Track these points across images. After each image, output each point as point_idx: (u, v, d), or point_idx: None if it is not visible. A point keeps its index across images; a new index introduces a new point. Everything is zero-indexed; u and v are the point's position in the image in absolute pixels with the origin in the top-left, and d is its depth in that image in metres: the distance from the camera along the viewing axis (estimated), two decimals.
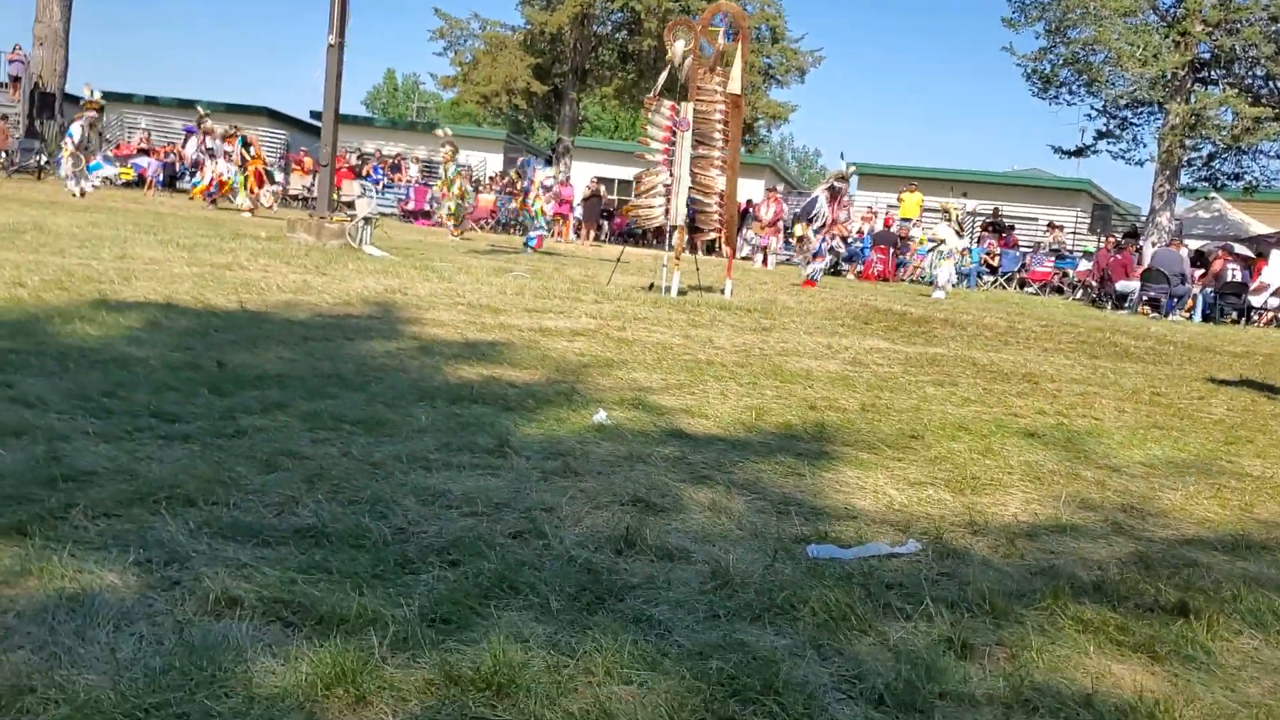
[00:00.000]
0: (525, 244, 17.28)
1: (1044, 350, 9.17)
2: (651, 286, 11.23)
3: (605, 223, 28.76)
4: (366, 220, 12.14)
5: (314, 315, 6.44)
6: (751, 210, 24.89)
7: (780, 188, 29.33)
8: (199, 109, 22.20)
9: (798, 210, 16.74)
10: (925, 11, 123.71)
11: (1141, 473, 4.38)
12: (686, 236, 11.41)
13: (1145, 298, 19.79)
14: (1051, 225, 28.23)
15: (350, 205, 16.87)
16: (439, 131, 19.00)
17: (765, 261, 23.37)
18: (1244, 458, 4.92)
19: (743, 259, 26.18)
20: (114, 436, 3.39)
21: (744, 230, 27.32)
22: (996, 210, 29.01)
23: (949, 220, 17.84)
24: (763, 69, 31.65)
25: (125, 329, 5.32)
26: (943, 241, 17.54)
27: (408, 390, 4.48)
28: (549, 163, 18.61)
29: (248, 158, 19.06)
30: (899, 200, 26.53)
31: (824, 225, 15.67)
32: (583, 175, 32.37)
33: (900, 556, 2.96)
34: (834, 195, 15.83)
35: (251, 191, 19.08)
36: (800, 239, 16.37)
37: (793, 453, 4.10)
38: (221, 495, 2.87)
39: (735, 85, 11.05)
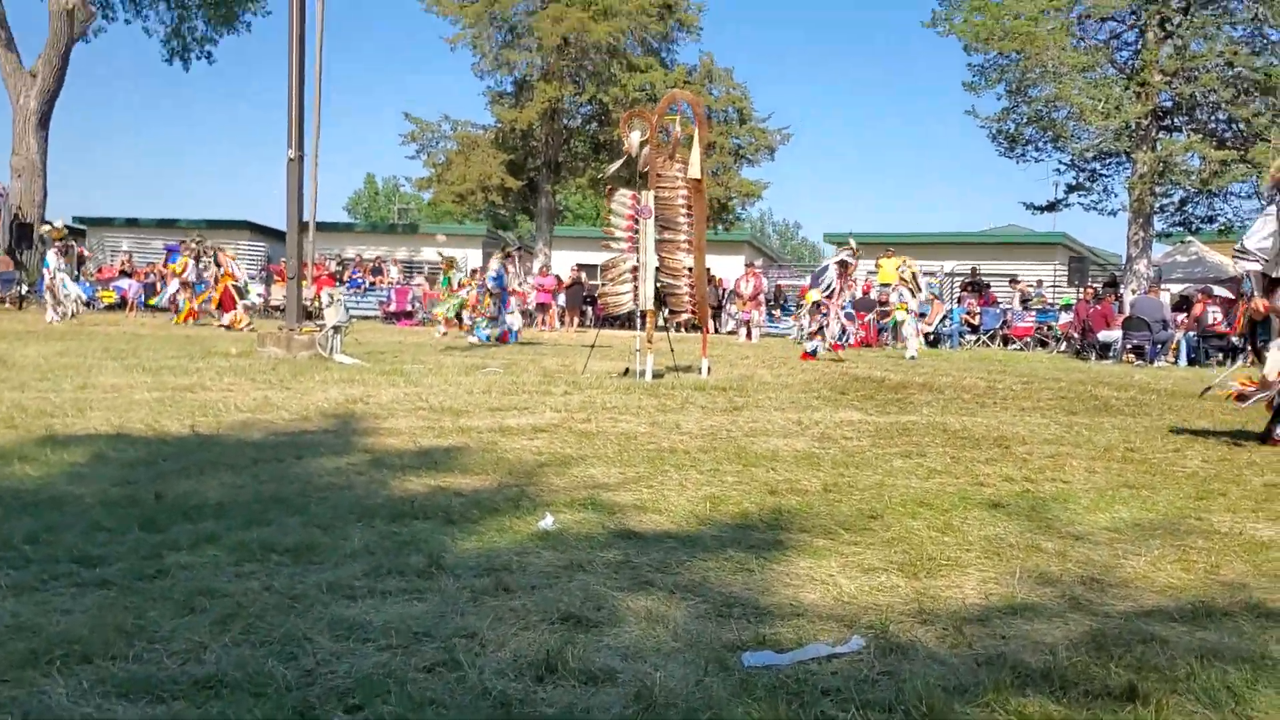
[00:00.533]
0: (480, 338, 17.23)
1: (1021, 410, 9.06)
2: (627, 372, 11.17)
3: (589, 309, 28.87)
4: (337, 329, 12.10)
5: (269, 434, 6.33)
6: (731, 287, 25.25)
7: (759, 262, 29.74)
8: (194, 233, 22.42)
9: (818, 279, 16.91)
10: (893, 80, 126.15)
11: (1106, 539, 4.25)
12: (664, 317, 11.44)
13: (1128, 346, 19.76)
14: (1013, 280, 28.40)
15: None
16: (438, 237, 18.99)
17: (749, 335, 23.44)
18: (1214, 513, 4.80)
19: (728, 334, 26.43)
20: (26, 588, 3.25)
21: (727, 306, 27.56)
22: (974, 269, 29.18)
23: (903, 281, 18.19)
24: (732, 149, 32.08)
25: (68, 466, 5.20)
26: (900, 306, 17.95)
27: (348, 510, 4.34)
28: (505, 256, 18.42)
29: (219, 275, 19.16)
30: (877, 266, 26.64)
31: (829, 295, 16.08)
32: (565, 263, 32.61)
33: (841, 656, 2.82)
34: (844, 269, 16.27)
35: (223, 309, 19.16)
36: (816, 305, 16.50)
37: (745, 545, 3.96)
38: (123, 648, 2.73)
39: (695, 170, 11.08)
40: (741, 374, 11.77)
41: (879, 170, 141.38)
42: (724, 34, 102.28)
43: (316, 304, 15.46)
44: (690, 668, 2.72)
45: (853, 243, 16.58)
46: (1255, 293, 6.96)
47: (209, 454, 5.57)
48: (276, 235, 37.23)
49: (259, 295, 29.49)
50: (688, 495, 4.87)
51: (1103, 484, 5.45)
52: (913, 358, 16.94)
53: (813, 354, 15.64)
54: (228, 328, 18.89)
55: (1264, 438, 6.90)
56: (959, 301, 26.58)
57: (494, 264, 17.74)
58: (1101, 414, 8.98)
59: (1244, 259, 6.95)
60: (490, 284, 17.45)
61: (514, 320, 17.72)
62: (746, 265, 27.38)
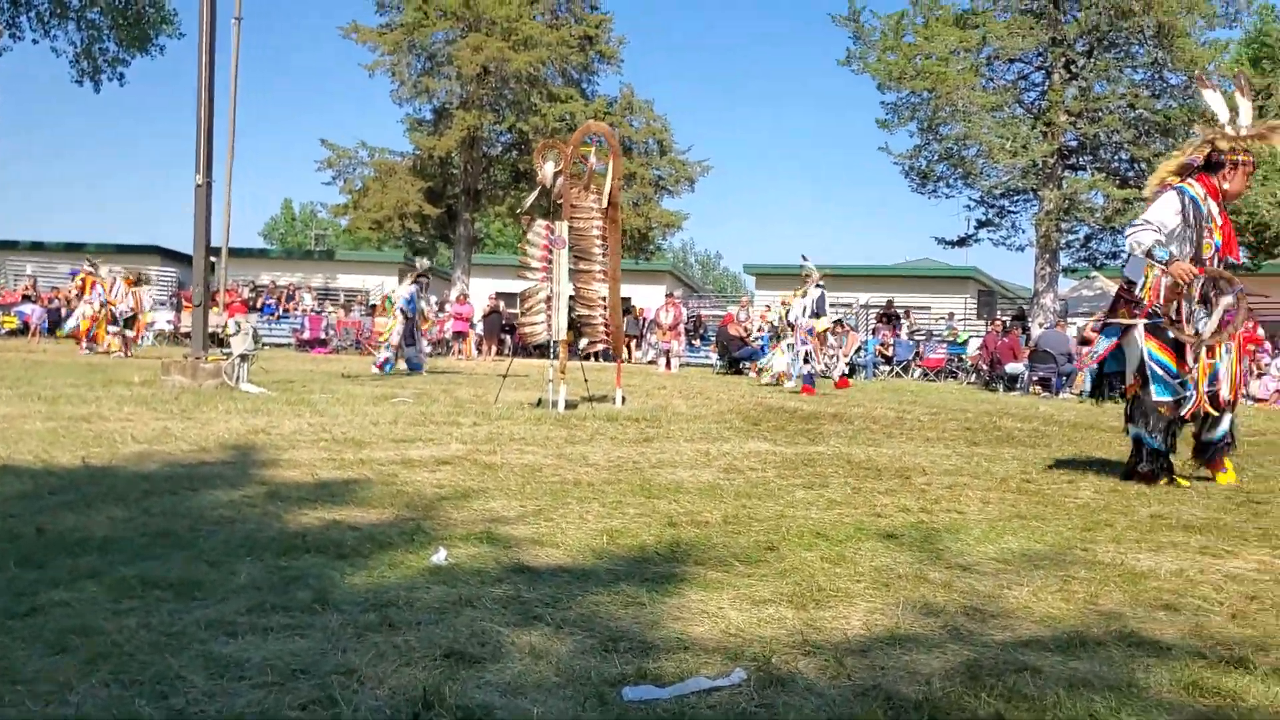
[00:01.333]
0: (382, 368, 17.00)
1: (925, 440, 9.13)
2: (539, 402, 11.04)
3: (508, 337, 28.75)
4: (244, 357, 11.89)
5: (164, 466, 6.18)
6: (654, 318, 25.42)
7: (680, 292, 30.02)
8: (86, 259, 21.91)
9: (812, 304, 17.02)
10: (812, 115, 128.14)
11: (993, 569, 4.32)
12: (580, 347, 11.45)
13: (1034, 378, 20.23)
14: (905, 313, 29.03)
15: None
16: (420, 262, 18.58)
17: (669, 365, 23.54)
18: (1099, 544, 4.89)
19: (648, 364, 27.04)
20: None
21: (648, 336, 27.62)
22: (890, 302, 29.71)
23: (781, 313, 18.58)
24: (653, 180, 32.35)
25: None
26: (775, 336, 18.32)
27: (238, 544, 4.26)
28: (416, 278, 18.15)
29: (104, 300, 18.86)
30: (784, 304, 27.20)
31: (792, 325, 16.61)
32: (484, 291, 32.48)
33: (722, 689, 2.84)
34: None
35: (101, 332, 18.83)
36: (824, 333, 16.67)
37: (639, 578, 3.96)
38: None
39: (611, 200, 11.11)
40: (656, 404, 11.71)
41: (798, 203, 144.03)
42: (645, 66, 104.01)
43: (227, 331, 15.18)
44: (570, 703, 2.71)
45: (813, 268, 16.93)
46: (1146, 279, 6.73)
47: (99, 487, 5.42)
48: (187, 260, 36.62)
49: (169, 322, 28.89)
50: (587, 528, 4.85)
51: (995, 515, 5.53)
52: (790, 388, 17.28)
53: (810, 385, 15.87)
54: (122, 353, 18.56)
55: (1129, 474, 6.93)
56: (873, 333, 27.00)
57: (406, 287, 17.52)
58: (1003, 445, 9.07)
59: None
60: (404, 306, 17.22)
61: (412, 353, 17.32)
62: (667, 295, 27.69)
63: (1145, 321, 6.60)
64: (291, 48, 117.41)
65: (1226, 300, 6.47)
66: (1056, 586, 4.05)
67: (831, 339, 16.52)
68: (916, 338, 27.07)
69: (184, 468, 6.14)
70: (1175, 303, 6.48)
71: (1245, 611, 3.76)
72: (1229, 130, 6.55)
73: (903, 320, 28.06)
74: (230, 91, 22.45)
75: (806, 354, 16.13)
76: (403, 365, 17.20)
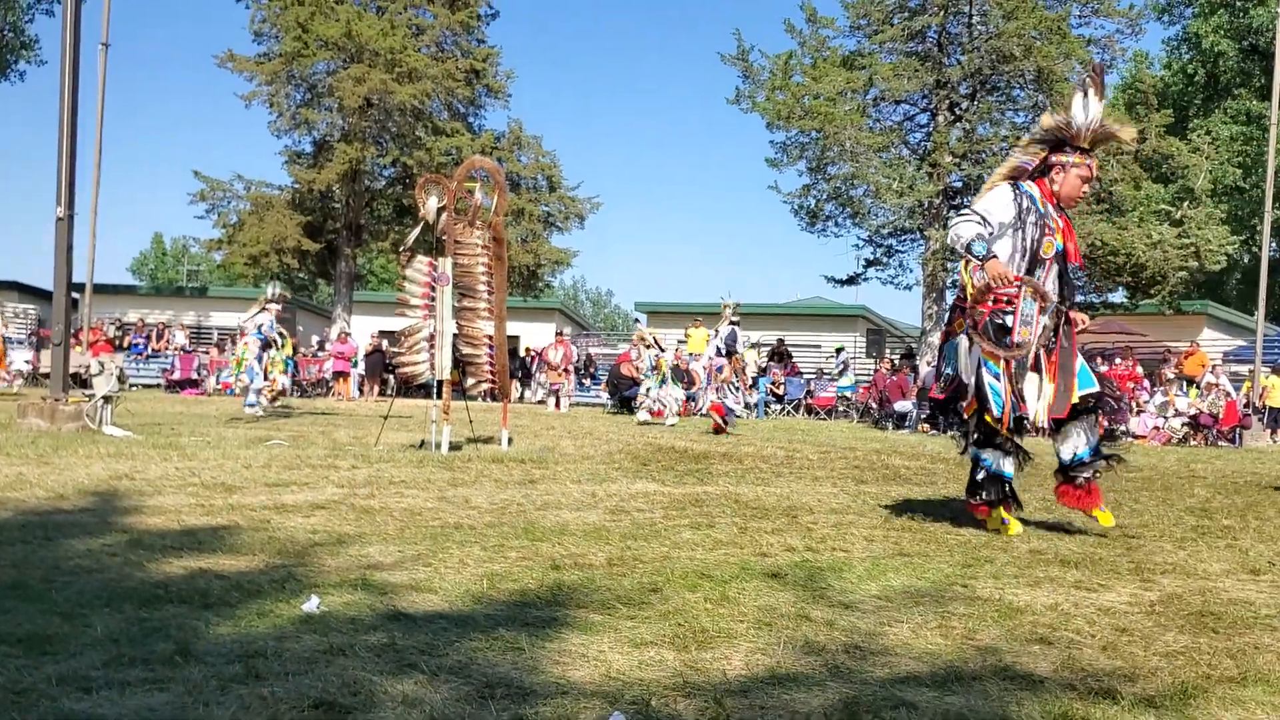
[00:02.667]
0: (245, 405, 16.58)
1: (814, 479, 9.16)
2: (422, 444, 10.87)
3: (390, 377, 28.28)
4: (107, 399, 11.52)
5: (18, 514, 5.94)
6: (542, 357, 25.23)
7: (569, 330, 29.95)
8: None
9: (722, 343, 16.99)
10: (702, 152, 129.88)
11: (874, 607, 4.41)
12: (467, 384, 11.32)
13: (923, 416, 20.66)
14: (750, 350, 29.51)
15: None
16: (270, 289, 17.88)
17: (558, 405, 23.45)
18: (979, 580, 5.01)
19: (537, 403, 26.79)
20: None
21: (536, 375, 27.42)
22: (780, 340, 30.10)
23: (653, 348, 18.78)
24: (542, 216, 32.31)
25: None
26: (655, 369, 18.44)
27: (95, 595, 4.11)
28: (266, 305, 17.53)
29: None
30: (686, 336, 27.24)
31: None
32: (366, 329, 31.87)
33: None
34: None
35: None
36: (734, 371, 16.72)
37: (519, 623, 3.95)
38: None
39: (490, 236, 11.00)
40: (544, 445, 11.58)
41: (690, 241, 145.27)
42: (533, 102, 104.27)
43: (90, 371, 14.65)
44: None
45: (732, 303, 17.23)
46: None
47: None
48: (48, 297, 35.31)
49: (26, 362, 27.81)
50: (467, 573, 4.80)
51: (880, 552, 5.61)
52: (672, 424, 17.51)
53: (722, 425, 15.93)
54: None
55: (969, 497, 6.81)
56: (763, 371, 27.28)
57: (256, 316, 17.01)
58: (890, 483, 9.16)
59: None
60: (254, 337, 16.84)
61: (258, 383, 16.66)
62: (556, 333, 27.54)
63: (968, 330, 6.25)
64: (163, 75, 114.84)
65: (1044, 320, 6.04)
66: (936, 623, 4.15)
67: (732, 374, 16.59)
68: (806, 376, 27.49)
69: (39, 516, 5.92)
70: (984, 308, 6.09)
71: (1115, 644, 3.89)
72: (1072, 123, 6.14)
73: (791, 359, 28.42)
74: (96, 119, 21.87)
75: (722, 387, 16.40)
76: (250, 409, 16.64)
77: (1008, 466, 6.37)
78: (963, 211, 6.09)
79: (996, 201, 6.06)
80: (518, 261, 30.55)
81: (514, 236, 30.67)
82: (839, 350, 29.23)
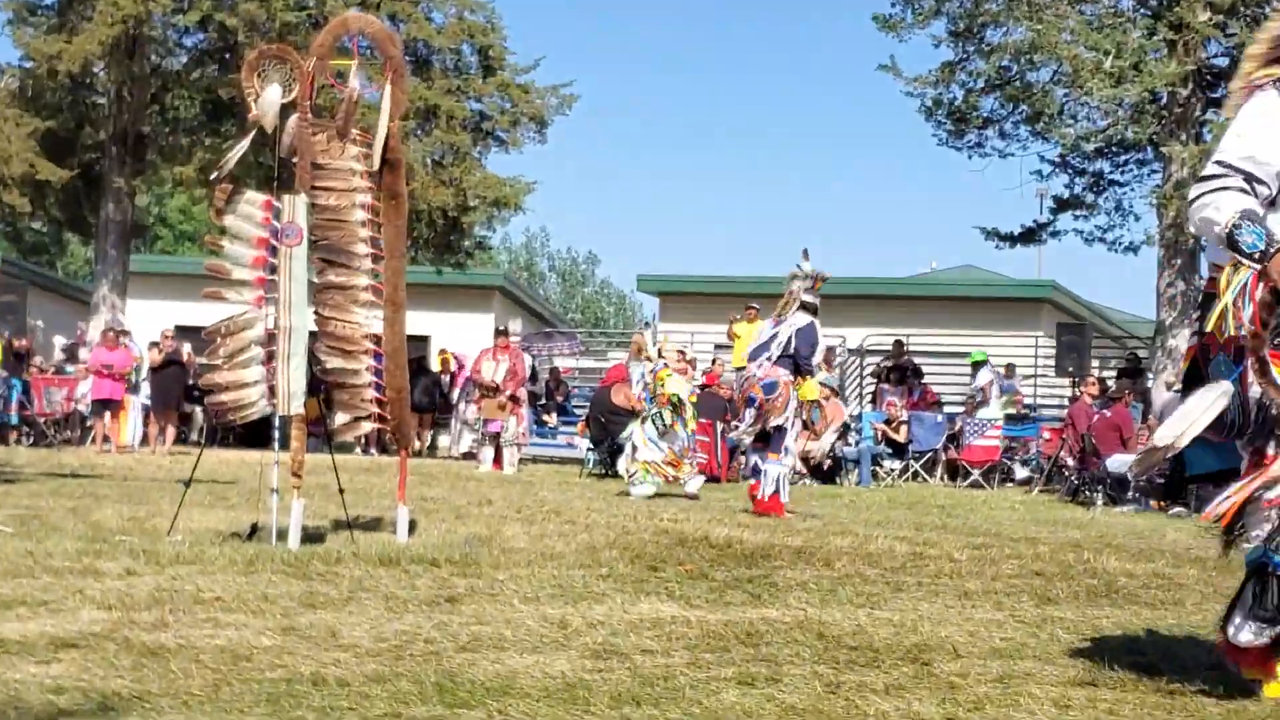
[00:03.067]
0: None
1: (962, 596, 7.80)
2: (254, 531, 8.95)
3: (196, 410, 22.37)
4: None
5: None
6: (470, 373, 20.82)
7: (518, 326, 24.23)
8: None
9: (785, 347, 12.53)
10: (757, 24, 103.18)
11: None
12: (335, 423, 9.32)
13: (1159, 479, 16.58)
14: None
15: None
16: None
17: (498, 461, 19.34)
18: None
19: (461, 458, 22.83)
20: None
21: (459, 408, 23.66)
22: (900, 344, 23.98)
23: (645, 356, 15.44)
24: (470, 119, 25.24)
25: None
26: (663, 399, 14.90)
27: None
28: None
29: None
30: (730, 336, 21.03)
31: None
32: (152, 323, 24.65)
33: None
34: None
35: None
36: (814, 404, 13.23)
37: None
38: None
39: (378, 157, 8.74)
40: (473, 534, 9.94)
41: (729, 170, 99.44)
42: None
43: None
44: None
45: (809, 272, 12.55)
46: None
47: None
48: None
49: None
50: None
51: None
52: (693, 496, 14.41)
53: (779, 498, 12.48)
54: None
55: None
56: (873, 402, 22.82)
57: None
58: (1099, 603, 7.75)
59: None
60: None
61: None
62: (497, 333, 22.16)
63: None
64: None
65: None
66: None
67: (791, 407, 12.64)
68: (949, 409, 22.54)
69: None
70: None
71: None
72: None
73: (920, 379, 22.91)
74: None
75: (765, 431, 12.39)
76: None
77: None
78: (1206, 174, 4.77)
79: (1260, 133, 4.72)
80: (428, 202, 24.14)
81: (420, 157, 24.02)
82: (978, 363, 22.60)
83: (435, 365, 25.80)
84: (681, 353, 16.75)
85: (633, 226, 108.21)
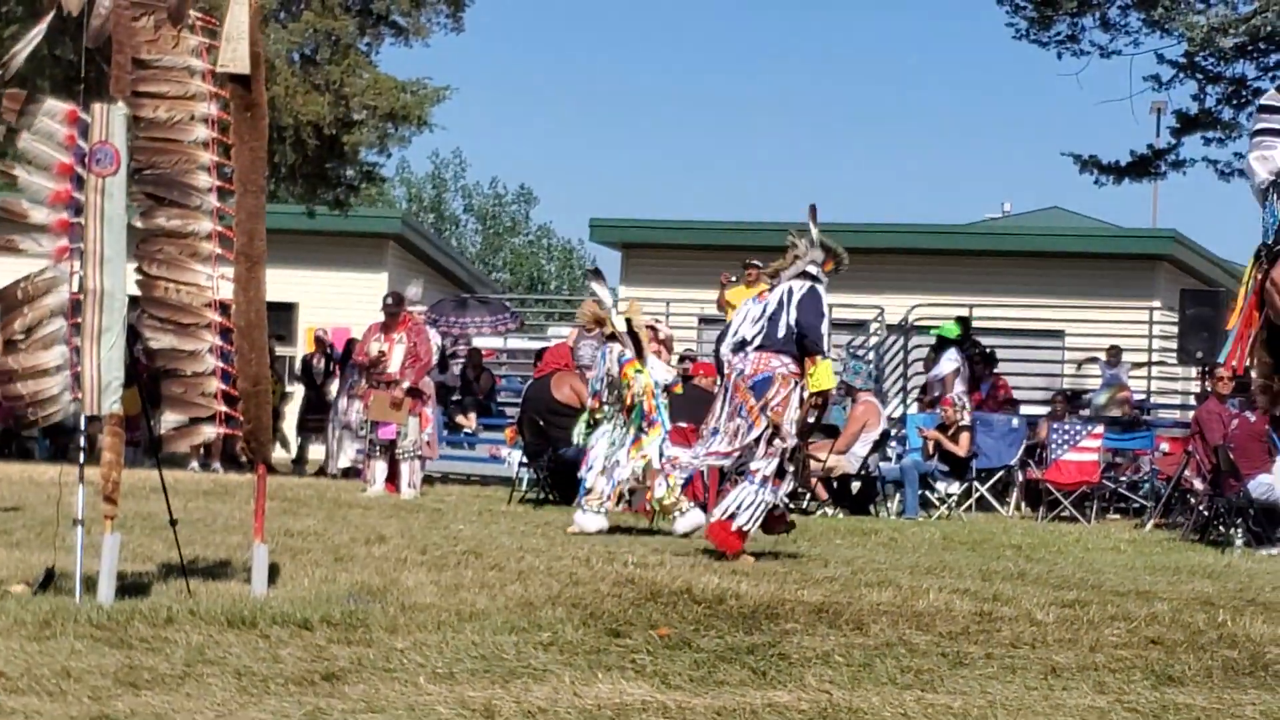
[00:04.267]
0: None
1: (1048, 674, 7.74)
2: (48, 580, 8.98)
3: None
4: None
5: None
6: (355, 356, 20.98)
7: (418, 290, 24.20)
8: None
9: (811, 318, 12.60)
10: None
11: None
12: (163, 424, 9.64)
13: None
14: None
15: None
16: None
17: (393, 480, 19.69)
18: None
19: (340, 475, 23.49)
20: None
21: (337, 406, 23.98)
22: (961, 321, 24.14)
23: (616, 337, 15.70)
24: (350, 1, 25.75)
25: None
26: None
27: None
28: None
29: None
30: (721, 306, 21.49)
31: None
32: None
33: None
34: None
35: None
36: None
37: None
38: None
39: (242, 58, 9.04)
40: (360, 582, 10.27)
41: (718, 92, 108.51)
42: None
43: None
44: None
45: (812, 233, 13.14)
46: None
47: None
48: None
49: None
50: None
51: None
52: (683, 534, 14.81)
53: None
54: None
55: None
56: (924, 399, 23.41)
57: None
58: (1243, 683, 7.69)
59: None
60: None
61: None
62: (390, 300, 22.60)
63: None
64: None
65: None
66: None
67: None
68: (1029, 407, 22.43)
69: None
70: None
71: None
72: None
73: (991, 367, 23.11)
74: None
75: (752, 441, 12.79)
76: None
77: None
78: (1265, 98, 5.83)
79: None
80: (295, 115, 24.35)
81: (281, 50, 24.47)
82: (945, 341, 22.99)
83: (302, 346, 25.96)
84: (653, 329, 16.84)
85: (583, 153, 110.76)
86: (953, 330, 23.34)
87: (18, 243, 8.68)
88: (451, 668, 7.20)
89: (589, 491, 15.57)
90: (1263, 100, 6.00)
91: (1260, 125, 5.93)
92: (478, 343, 28.77)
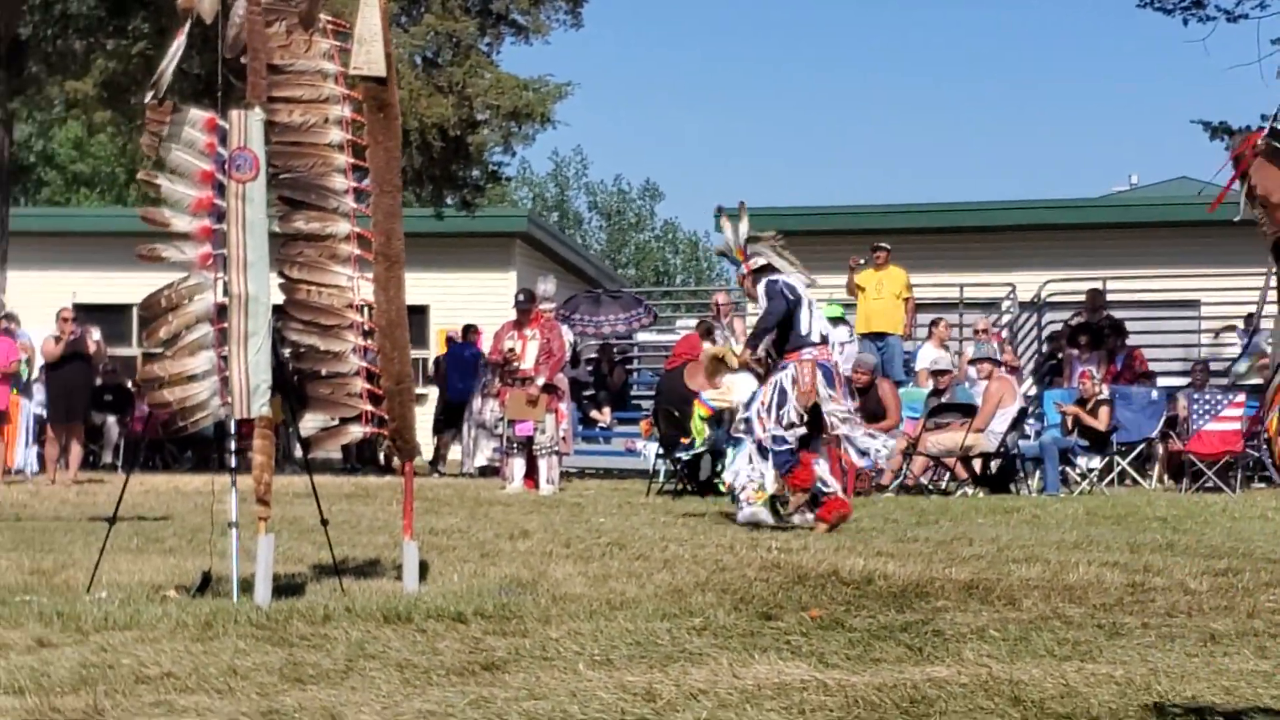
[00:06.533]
0: None
1: (1208, 641, 7.74)
2: (205, 583, 9.07)
3: (109, 418, 23.78)
4: None
5: None
6: (489, 354, 20.93)
7: (549, 288, 24.04)
8: None
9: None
10: None
11: None
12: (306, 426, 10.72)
13: None
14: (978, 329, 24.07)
15: None
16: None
17: (533, 476, 19.57)
18: None
19: (480, 474, 23.41)
20: None
21: (472, 405, 24.02)
22: (1097, 294, 24.01)
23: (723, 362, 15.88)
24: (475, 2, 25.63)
25: None
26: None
27: None
28: None
29: None
30: (850, 290, 22.07)
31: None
32: (47, 299, 25.54)
33: None
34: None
35: None
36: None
37: None
38: None
39: (376, 59, 9.01)
40: (510, 575, 10.27)
41: (838, 80, 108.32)
42: None
43: None
44: None
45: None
46: None
47: None
48: None
49: None
50: None
51: None
52: (751, 515, 14.55)
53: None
54: None
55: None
56: (1058, 376, 23.11)
57: None
58: None
59: None
60: None
61: None
62: (521, 298, 22.57)
63: None
64: None
65: None
66: None
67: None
68: (1165, 382, 21.94)
69: None
70: None
71: None
72: None
73: (1123, 339, 22.64)
74: None
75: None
76: None
77: None
78: None
79: None
80: (419, 118, 24.22)
81: (404, 54, 24.19)
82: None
83: (435, 345, 26.05)
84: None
85: (705, 147, 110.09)
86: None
87: (161, 251, 8.71)
88: (608, 654, 7.23)
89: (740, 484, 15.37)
90: None
91: None
92: (609, 336, 28.50)
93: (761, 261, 14.17)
